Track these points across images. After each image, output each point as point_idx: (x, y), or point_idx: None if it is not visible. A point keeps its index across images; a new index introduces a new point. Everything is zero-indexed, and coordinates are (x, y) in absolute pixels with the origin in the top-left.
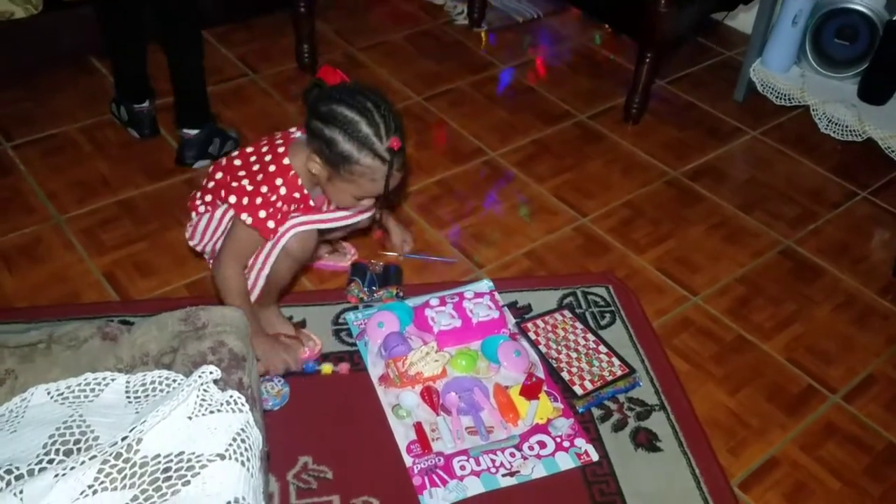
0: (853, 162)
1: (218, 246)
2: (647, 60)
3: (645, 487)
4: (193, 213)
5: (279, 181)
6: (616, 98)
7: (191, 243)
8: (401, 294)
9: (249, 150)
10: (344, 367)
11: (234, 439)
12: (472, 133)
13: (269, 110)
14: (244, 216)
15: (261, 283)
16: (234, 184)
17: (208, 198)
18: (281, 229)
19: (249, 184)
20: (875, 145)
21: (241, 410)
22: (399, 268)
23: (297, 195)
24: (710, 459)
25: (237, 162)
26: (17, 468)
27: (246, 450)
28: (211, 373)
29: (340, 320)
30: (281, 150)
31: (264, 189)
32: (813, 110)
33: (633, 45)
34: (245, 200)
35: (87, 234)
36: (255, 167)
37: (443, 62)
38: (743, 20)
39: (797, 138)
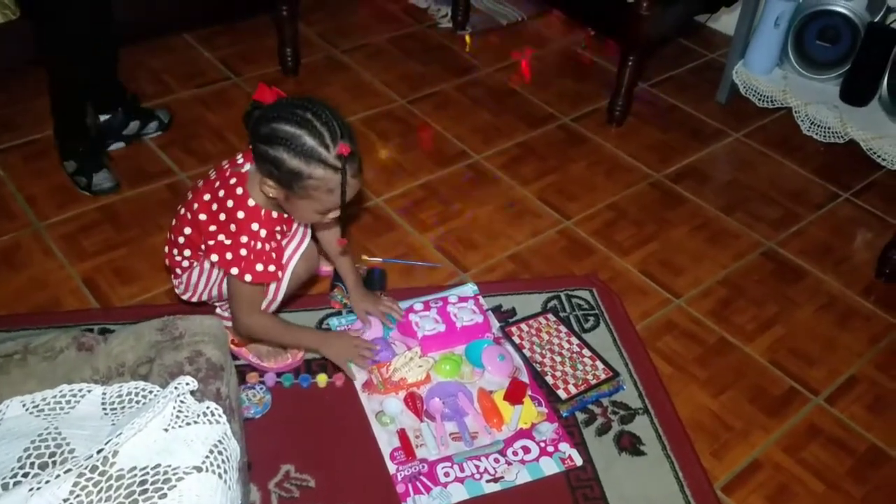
0: (836, 163)
1: (217, 291)
2: (630, 63)
3: (629, 491)
4: (178, 269)
5: (255, 226)
6: (600, 100)
7: (186, 297)
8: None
9: (206, 197)
10: (339, 378)
11: (212, 451)
12: (456, 136)
13: None
14: (247, 277)
15: (274, 307)
16: (210, 241)
17: (187, 252)
18: (284, 264)
19: (227, 238)
20: (857, 147)
21: (218, 422)
22: (383, 272)
23: (277, 228)
24: (693, 463)
25: (202, 216)
26: None
27: (223, 462)
28: (188, 384)
29: (324, 326)
30: (240, 191)
31: (244, 239)
32: (795, 112)
33: (617, 47)
34: (229, 256)
35: (67, 240)
36: (222, 217)
37: (427, 65)
38: (725, 22)
39: (780, 140)
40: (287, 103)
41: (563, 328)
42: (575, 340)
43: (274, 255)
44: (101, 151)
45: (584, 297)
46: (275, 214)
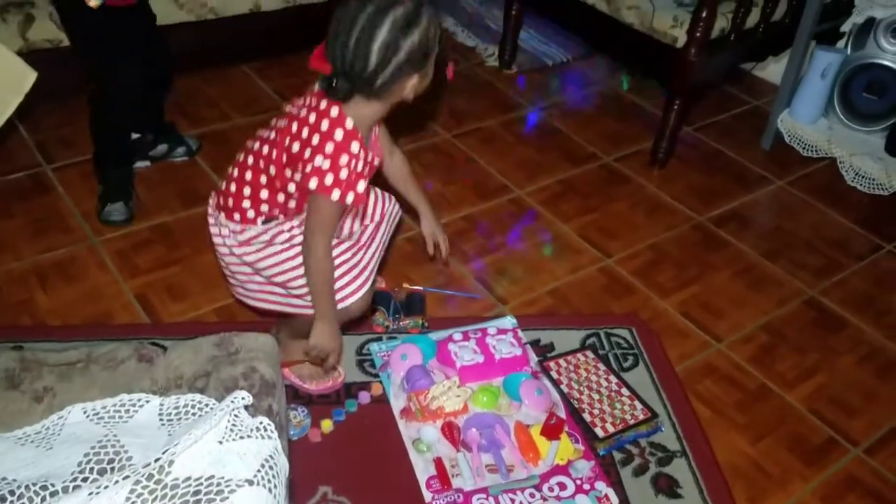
0: (879, 215)
1: (283, 277)
2: (676, 107)
3: None
4: (233, 252)
5: (355, 146)
6: (643, 142)
7: (244, 291)
8: (426, 324)
9: (294, 129)
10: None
11: (263, 465)
12: (499, 171)
13: None
14: (348, 197)
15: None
16: (308, 167)
17: (264, 208)
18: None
19: (325, 159)
20: None
21: (270, 437)
22: (423, 296)
23: (363, 154)
24: None
25: (295, 146)
26: (52, 485)
27: (273, 476)
28: (243, 398)
29: (364, 351)
30: (335, 111)
31: (344, 160)
32: (840, 162)
33: (660, 89)
34: (329, 179)
35: (120, 256)
36: (316, 139)
37: (473, 101)
38: (771, 71)
39: (824, 189)
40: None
41: (601, 366)
42: (613, 379)
43: (364, 176)
44: (128, 186)
45: (624, 336)
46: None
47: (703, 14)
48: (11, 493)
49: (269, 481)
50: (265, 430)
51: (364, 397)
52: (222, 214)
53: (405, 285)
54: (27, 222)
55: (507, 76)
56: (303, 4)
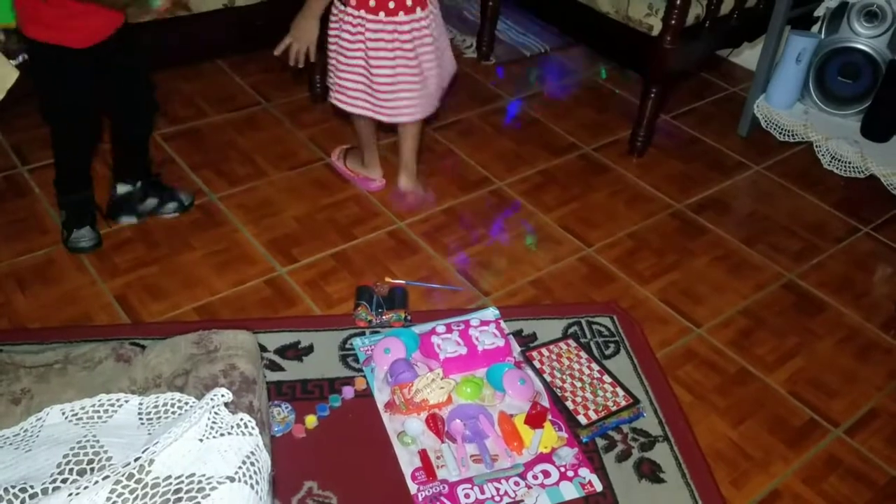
0: (856, 198)
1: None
2: (653, 95)
3: None
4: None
5: None
6: (621, 131)
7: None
8: (409, 318)
9: None
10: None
11: (244, 462)
12: (479, 163)
13: (281, 137)
14: None
15: None
16: None
17: None
18: None
19: None
20: (877, 182)
21: (251, 434)
22: (405, 290)
23: None
24: (712, 491)
25: None
26: (32, 487)
27: (255, 473)
28: (222, 395)
29: (347, 346)
30: None
31: None
32: (816, 146)
33: (638, 79)
34: None
35: (99, 257)
36: None
37: (451, 93)
38: (747, 57)
39: (800, 173)
40: None
41: (583, 354)
42: (595, 367)
43: None
44: (90, 209)
45: (605, 324)
46: None
47: (678, 2)
48: None
49: (250, 478)
50: (246, 426)
51: (348, 392)
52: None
53: (387, 279)
54: (3, 224)
55: (485, 67)
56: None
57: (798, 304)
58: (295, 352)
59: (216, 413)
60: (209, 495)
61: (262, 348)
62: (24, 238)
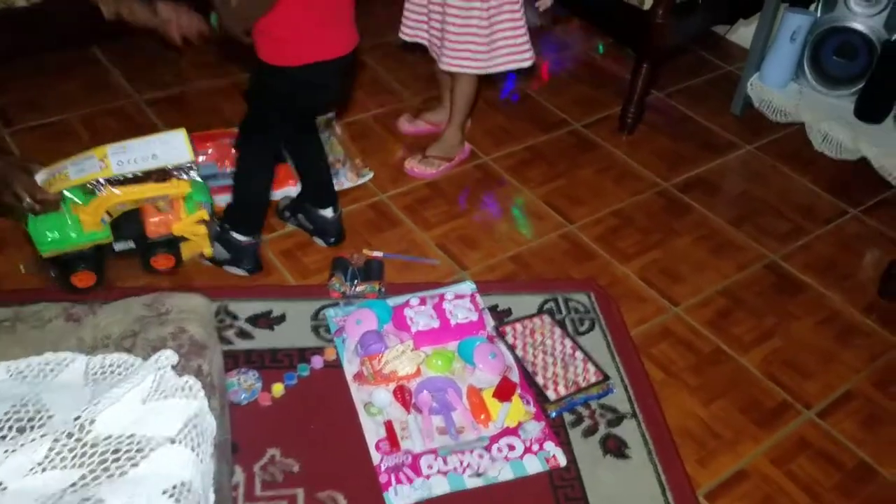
0: (846, 180)
1: None
2: (643, 70)
3: (611, 493)
4: None
5: None
6: (613, 107)
7: None
8: (383, 289)
9: None
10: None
11: (186, 425)
12: (467, 138)
13: None
14: None
15: None
16: None
17: None
18: None
19: None
20: (869, 164)
21: (195, 397)
22: (381, 263)
23: None
24: (677, 468)
25: None
26: None
27: (197, 436)
28: (167, 358)
29: (320, 316)
30: None
31: None
32: (808, 127)
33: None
34: None
35: None
36: None
37: None
38: (744, 35)
39: (792, 154)
40: None
41: (557, 330)
42: (568, 343)
43: None
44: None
45: (582, 301)
46: None
47: None
48: None
49: (191, 440)
50: (191, 389)
51: (317, 362)
52: None
53: (364, 251)
54: None
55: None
56: None
57: (779, 284)
58: (266, 321)
59: (162, 375)
60: (147, 456)
61: (233, 316)
62: None
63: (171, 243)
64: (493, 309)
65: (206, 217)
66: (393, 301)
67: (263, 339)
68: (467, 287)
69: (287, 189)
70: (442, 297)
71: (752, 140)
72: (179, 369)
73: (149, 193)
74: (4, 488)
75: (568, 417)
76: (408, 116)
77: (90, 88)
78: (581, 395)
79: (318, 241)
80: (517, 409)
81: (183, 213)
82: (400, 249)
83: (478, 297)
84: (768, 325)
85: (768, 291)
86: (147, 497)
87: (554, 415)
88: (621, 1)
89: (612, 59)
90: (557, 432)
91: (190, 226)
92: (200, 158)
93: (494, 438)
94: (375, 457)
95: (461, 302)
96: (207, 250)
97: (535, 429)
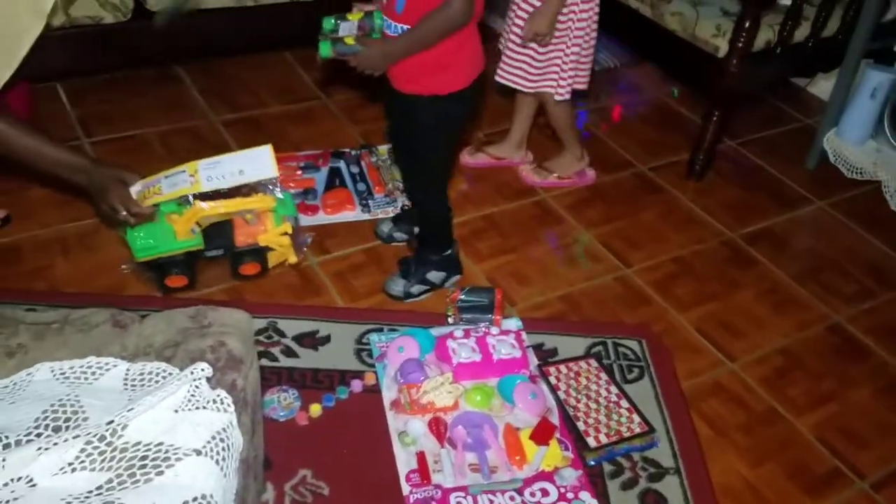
0: None
1: None
2: (714, 117)
3: None
4: None
5: None
6: (682, 153)
7: None
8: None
9: None
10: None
11: (214, 437)
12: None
13: (332, 131)
14: None
15: None
16: None
17: None
18: None
19: None
20: None
21: (226, 410)
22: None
23: None
24: None
25: None
26: (7, 437)
27: (223, 449)
28: (203, 370)
29: (364, 340)
30: None
31: None
32: (885, 187)
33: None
34: None
35: None
36: None
37: (511, 103)
38: (825, 88)
39: (865, 213)
40: None
41: (603, 375)
42: (614, 389)
43: None
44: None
45: (632, 347)
46: None
47: (746, 24)
48: None
49: (217, 453)
50: (222, 403)
51: (356, 385)
52: None
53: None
54: (57, 192)
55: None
56: None
57: (841, 347)
58: (312, 340)
59: (196, 387)
60: (173, 465)
61: (281, 333)
62: (75, 206)
63: (258, 252)
64: (538, 347)
65: (290, 230)
66: (436, 331)
67: (307, 359)
68: (513, 323)
69: (344, 213)
70: (486, 331)
71: (824, 196)
72: (214, 382)
73: (233, 208)
74: (34, 485)
75: (607, 467)
76: (470, 149)
77: (169, 105)
78: (623, 446)
79: None
80: (554, 454)
81: (270, 225)
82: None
83: (523, 335)
84: (826, 388)
85: (829, 354)
86: None
87: (593, 463)
88: (694, 46)
89: (686, 104)
90: (595, 482)
91: (275, 237)
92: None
93: (528, 482)
94: (405, 488)
95: (505, 338)
96: (292, 258)
97: (571, 476)
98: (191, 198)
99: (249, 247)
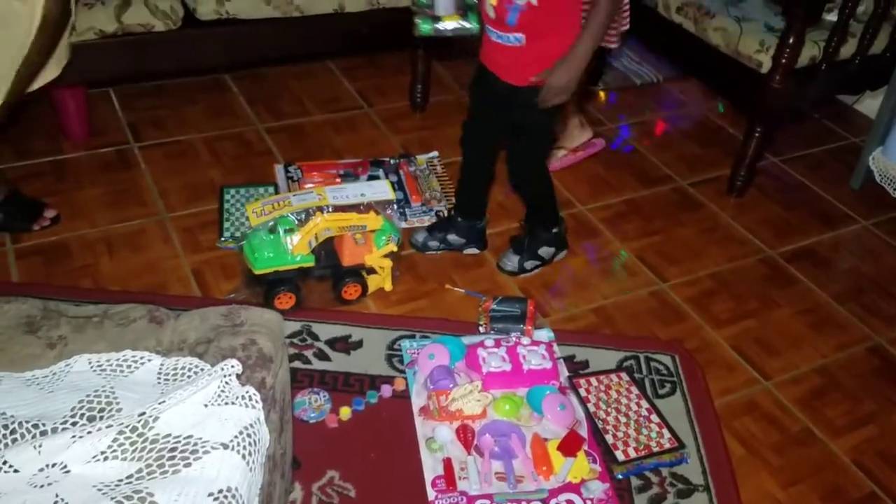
0: None
1: None
2: (757, 134)
3: None
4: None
5: None
6: (723, 169)
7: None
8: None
9: None
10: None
11: (241, 433)
12: (565, 185)
13: (374, 140)
14: None
15: None
16: None
17: None
18: None
19: None
20: None
21: (254, 407)
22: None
23: None
24: None
25: None
26: (44, 424)
27: (250, 444)
28: (233, 366)
29: (395, 346)
30: None
31: None
32: None
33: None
34: None
35: (186, 233)
36: None
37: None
38: (872, 106)
39: None
40: None
41: (634, 389)
42: (645, 404)
43: None
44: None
45: (665, 363)
46: None
47: (790, 40)
48: (5, 426)
49: (244, 448)
50: (250, 399)
51: (386, 391)
52: None
53: (448, 286)
54: (106, 193)
55: (592, 92)
56: (387, 7)
57: (881, 369)
58: (345, 345)
59: (227, 383)
60: (201, 458)
61: (315, 337)
62: (123, 207)
63: (360, 275)
64: (569, 359)
65: (395, 249)
66: (467, 339)
67: (339, 363)
68: (545, 334)
69: None
70: (517, 341)
71: (868, 216)
72: (244, 379)
73: (349, 222)
74: (68, 471)
75: (635, 482)
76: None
77: (216, 112)
78: (652, 461)
79: (473, 251)
80: (581, 466)
81: (374, 246)
82: (482, 289)
83: (554, 346)
84: (865, 410)
85: (868, 375)
86: (193, 497)
87: (620, 476)
88: (737, 62)
89: (730, 119)
90: (622, 496)
91: (379, 259)
92: (307, 185)
93: (554, 493)
94: (430, 493)
95: (536, 348)
96: (388, 286)
97: (598, 489)
98: (313, 212)
99: (355, 266)
